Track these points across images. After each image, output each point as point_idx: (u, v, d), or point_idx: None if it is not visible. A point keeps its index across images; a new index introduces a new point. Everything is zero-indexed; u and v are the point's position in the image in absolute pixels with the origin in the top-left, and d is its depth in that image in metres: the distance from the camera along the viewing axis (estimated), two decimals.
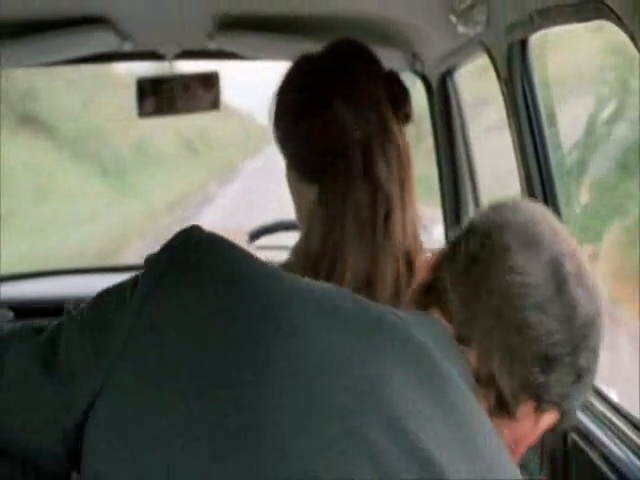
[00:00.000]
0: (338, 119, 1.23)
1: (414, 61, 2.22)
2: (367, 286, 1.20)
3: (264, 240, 2.48)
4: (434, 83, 2.29)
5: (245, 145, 20.56)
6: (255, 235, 2.40)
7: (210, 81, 2.21)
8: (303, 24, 2.06)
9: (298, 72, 1.30)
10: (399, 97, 1.26)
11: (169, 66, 2.21)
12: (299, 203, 1.31)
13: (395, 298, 1.20)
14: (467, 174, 2.30)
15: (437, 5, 1.75)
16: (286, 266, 1.27)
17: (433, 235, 2.99)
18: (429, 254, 1.04)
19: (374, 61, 1.29)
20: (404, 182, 1.24)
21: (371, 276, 1.21)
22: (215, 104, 2.22)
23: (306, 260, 1.25)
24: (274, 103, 1.29)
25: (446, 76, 2.25)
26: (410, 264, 1.23)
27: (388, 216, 1.21)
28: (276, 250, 2.74)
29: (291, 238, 2.57)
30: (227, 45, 2.13)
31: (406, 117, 1.27)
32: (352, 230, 1.22)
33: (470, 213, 2.33)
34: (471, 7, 1.55)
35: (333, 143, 1.23)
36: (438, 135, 2.36)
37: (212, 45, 2.15)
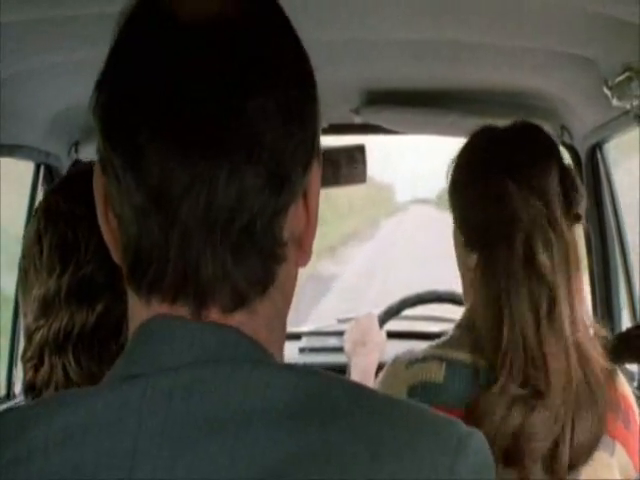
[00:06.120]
0: (506, 195, 1.24)
1: (562, 133, 2.18)
2: (538, 372, 1.20)
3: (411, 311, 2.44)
4: (583, 156, 2.23)
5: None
6: (384, 320, 2.35)
7: (357, 154, 2.22)
8: (450, 98, 2.06)
9: (481, 140, 1.34)
10: (571, 195, 1.27)
11: None
12: (461, 267, 1.35)
13: (568, 388, 1.20)
14: (619, 252, 2.20)
15: (589, 78, 1.71)
16: (451, 341, 1.27)
17: None
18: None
19: (554, 152, 1.31)
20: (571, 277, 1.22)
21: (540, 365, 1.20)
22: (362, 177, 2.23)
23: (469, 337, 1.27)
24: (453, 165, 1.34)
25: (596, 148, 2.20)
26: (582, 356, 1.22)
27: (552, 309, 1.20)
28: (424, 321, 2.72)
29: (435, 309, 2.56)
30: (373, 119, 2.16)
31: (576, 217, 1.27)
32: (509, 312, 1.21)
33: (622, 295, 2.23)
34: (628, 80, 1.51)
35: (497, 217, 1.25)
36: (587, 210, 2.28)
37: (358, 119, 2.18)
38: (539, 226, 1.22)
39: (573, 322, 1.21)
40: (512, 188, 1.24)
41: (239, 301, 0.65)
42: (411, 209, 23.93)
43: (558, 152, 1.32)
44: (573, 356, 1.20)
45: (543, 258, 1.21)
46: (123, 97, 0.65)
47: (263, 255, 0.66)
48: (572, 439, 1.20)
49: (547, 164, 1.27)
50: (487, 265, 1.25)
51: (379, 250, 16.10)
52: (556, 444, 1.21)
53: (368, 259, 14.98)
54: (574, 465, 1.22)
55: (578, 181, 1.30)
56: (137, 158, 0.64)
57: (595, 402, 1.22)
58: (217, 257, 0.64)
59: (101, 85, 0.67)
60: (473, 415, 1.19)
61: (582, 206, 1.29)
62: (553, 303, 1.20)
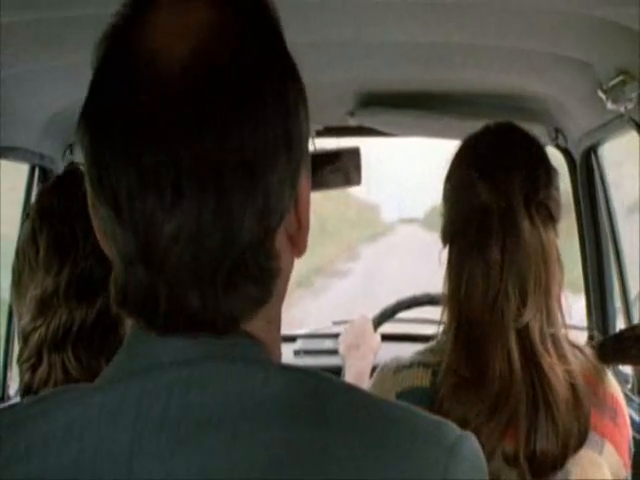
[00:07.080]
0: (472, 192, 1.29)
1: (557, 136, 2.19)
2: (480, 358, 1.25)
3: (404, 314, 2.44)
4: (577, 158, 2.24)
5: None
6: (378, 323, 2.35)
7: (352, 157, 2.22)
8: (445, 100, 2.07)
9: (463, 142, 1.39)
10: (539, 196, 1.29)
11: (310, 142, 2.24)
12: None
13: (510, 374, 1.23)
14: (613, 255, 2.20)
15: (584, 81, 1.72)
16: (436, 347, 1.30)
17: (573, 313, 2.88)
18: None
19: (524, 154, 1.33)
20: (525, 271, 1.25)
21: (480, 351, 1.26)
22: (357, 180, 2.23)
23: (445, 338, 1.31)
24: None
25: (590, 151, 2.20)
26: (524, 343, 1.25)
27: (496, 298, 1.25)
28: (418, 323, 2.72)
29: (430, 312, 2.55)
30: (368, 122, 2.16)
31: (550, 219, 1.30)
32: (467, 305, 1.27)
33: (616, 298, 2.24)
34: (622, 84, 1.52)
35: (458, 212, 1.32)
36: (582, 213, 2.29)
37: (352, 122, 2.18)
38: (494, 221, 1.26)
39: (518, 311, 1.24)
40: (479, 187, 1.28)
41: (233, 325, 0.65)
42: (398, 230, 23.28)
43: (527, 153, 1.34)
44: (515, 355, 1.23)
45: (494, 252, 1.25)
46: (101, 143, 0.63)
47: (257, 281, 0.65)
48: (528, 439, 1.22)
49: (513, 165, 1.30)
50: (450, 255, 1.32)
51: (359, 284, 15.03)
52: (516, 443, 1.22)
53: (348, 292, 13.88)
54: (550, 465, 1.23)
55: (551, 185, 1.32)
56: (121, 210, 0.62)
57: (547, 401, 1.23)
58: (208, 297, 0.63)
59: (82, 121, 0.65)
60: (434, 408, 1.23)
61: (555, 208, 1.32)
62: (497, 296, 1.25)
